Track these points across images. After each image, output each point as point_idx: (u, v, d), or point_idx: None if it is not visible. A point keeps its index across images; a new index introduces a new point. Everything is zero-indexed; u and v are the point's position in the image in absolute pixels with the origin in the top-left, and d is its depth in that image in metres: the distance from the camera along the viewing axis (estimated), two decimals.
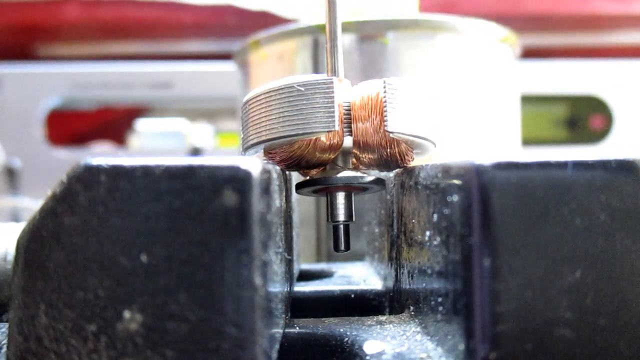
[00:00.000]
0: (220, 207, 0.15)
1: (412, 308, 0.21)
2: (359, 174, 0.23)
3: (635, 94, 0.70)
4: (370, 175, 0.23)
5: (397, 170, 0.24)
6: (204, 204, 0.15)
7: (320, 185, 0.23)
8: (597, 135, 0.72)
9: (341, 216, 0.24)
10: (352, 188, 0.24)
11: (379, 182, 0.24)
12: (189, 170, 0.15)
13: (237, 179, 0.15)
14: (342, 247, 0.25)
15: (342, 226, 0.25)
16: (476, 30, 0.40)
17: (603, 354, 0.16)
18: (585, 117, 0.73)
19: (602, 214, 0.16)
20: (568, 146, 0.73)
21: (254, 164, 0.15)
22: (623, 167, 0.16)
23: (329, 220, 0.24)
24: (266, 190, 0.16)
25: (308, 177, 0.24)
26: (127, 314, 0.15)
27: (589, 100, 0.71)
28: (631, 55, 0.72)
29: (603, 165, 0.16)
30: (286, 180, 0.23)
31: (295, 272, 0.31)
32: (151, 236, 0.15)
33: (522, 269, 0.16)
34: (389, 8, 0.42)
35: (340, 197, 0.24)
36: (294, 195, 0.27)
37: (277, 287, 0.19)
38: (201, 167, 0.15)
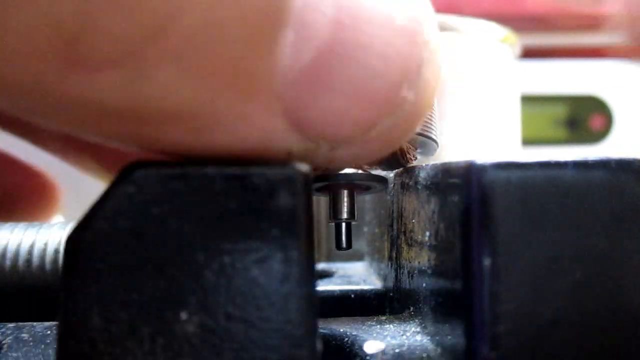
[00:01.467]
0: (275, 208, 0.15)
1: (412, 308, 0.21)
2: (362, 172, 0.23)
3: (635, 94, 0.70)
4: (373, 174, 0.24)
5: (397, 170, 0.24)
6: (259, 204, 0.15)
7: (325, 182, 0.24)
8: (597, 135, 0.72)
9: (344, 214, 0.24)
10: (355, 186, 0.24)
11: (382, 180, 0.24)
12: (244, 172, 0.15)
13: (291, 181, 0.15)
14: (344, 245, 0.25)
15: (344, 224, 0.25)
16: (476, 30, 0.40)
17: (604, 355, 0.16)
18: (585, 117, 0.73)
19: (603, 214, 0.16)
20: (568, 146, 0.73)
21: (303, 166, 0.16)
22: (623, 166, 0.16)
23: (331, 218, 0.25)
24: (312, 191, 0.16)
25: None
26: (184, 315, 0.15)
27: (589, 100, 0.71)
28: (631, 55, 0.72)
29: (603, 165, 0.16)
30: None
31: None
32: (206, 237, 0.15)
33: (523, 269, 0.16)
34: None
35: (344, 195, 0.24)
36: None
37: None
38: (256, 169, 0.15)
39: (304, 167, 0.16)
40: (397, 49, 0.16)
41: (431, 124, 0.23)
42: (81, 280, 0.15)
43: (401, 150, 0.23)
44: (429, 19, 0.17)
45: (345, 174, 0.23)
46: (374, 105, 0.16)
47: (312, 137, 0.16)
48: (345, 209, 0.24)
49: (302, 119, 0.16)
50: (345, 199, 0.24)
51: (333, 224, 0.25)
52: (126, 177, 0.15)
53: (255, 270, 0.15)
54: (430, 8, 0.18)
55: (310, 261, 0.15)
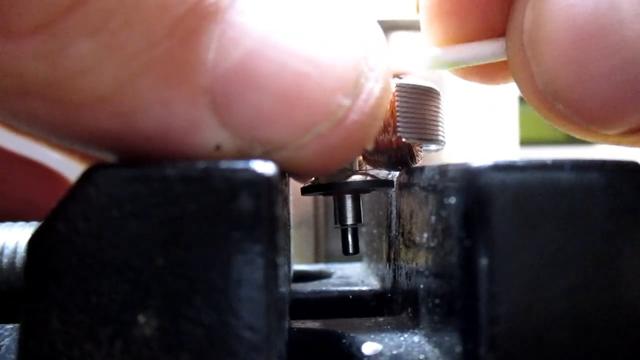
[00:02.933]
0: (236, 210, 0.15)
1: (410, 309, 0.21)
2: (369, 177, 0.23)
3: None
4: (379, 177, 0.23)
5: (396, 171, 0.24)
6: (220, 207, 0.15)
7: (330, 190, 0.23)
8: None
9: (350, 219, 0.24)
10: (361, 191, 0.24)
11: (389, 184, 0.24)
12: (205, 173, 0.15)
13: (254, 182, 0.15)
14: (351, 251, 0.25)
15: (350, 229, 0.24)
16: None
17: (601, 356, 0.16)
18: None
19: (600, 215, 0.16)
20: (566, 147, 0.73)
21: (269, 166, 0.15)
22: (621, 168, 0.16)
23: (337, 223, 0.24)
24: (280, 193, 0.16)
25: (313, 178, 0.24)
26: (142, 318, 0.15)
27: None
28: None
29: (600, 166, 0.16)
30: (286, 183, 0.23)
31: (291, 273, 0.30)
32: (166, 239, 0.15)
33: (520, 270, 0.16)
34: (387, 9, 0.42)
35: (349, 200, 0.24)
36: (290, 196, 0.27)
37: (285, 289, 0.19)
38: (217, 170, 0.15)
39: (268, 170, 0.15)
40: (330, 56, 0.17)
41: (439, 125, 0.23)
42: (41, 282, 0.15)
43: (410, 150, 0.23)
44: (372, 33, 0.18)
45: (352, 182, 0.23)
46: (305, 108, 0.16)
47: (244, 137, 0.16)
48: (351, 214, 0.24)
49: (232, 117, 0.16)
50: (351, 204, 0.24)
51: (339, 228, 0.25)
52: (87, 178, 0.15)
53: (214, 274, 0.15)
54: (375, 24, 0.18)
55: (274, 265, 0.15)
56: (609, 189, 0.16)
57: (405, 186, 0.22)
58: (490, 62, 0.23)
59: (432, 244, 0.19)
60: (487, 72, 0.25)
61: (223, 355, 0.15)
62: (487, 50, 0.23)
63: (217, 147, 0.16)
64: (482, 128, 0.41)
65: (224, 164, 0.15)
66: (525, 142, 0.47)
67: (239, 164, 0.15)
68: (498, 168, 0.16)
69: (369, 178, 0.23)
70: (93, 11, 0.14)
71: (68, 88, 0.15)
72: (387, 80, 0.18)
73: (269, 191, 0.15)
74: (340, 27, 0.17)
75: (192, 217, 0.15)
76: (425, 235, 0.19)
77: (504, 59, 0.22)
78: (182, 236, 0.15)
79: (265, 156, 0.17)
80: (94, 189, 0.15)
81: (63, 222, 0.15)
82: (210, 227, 0.15)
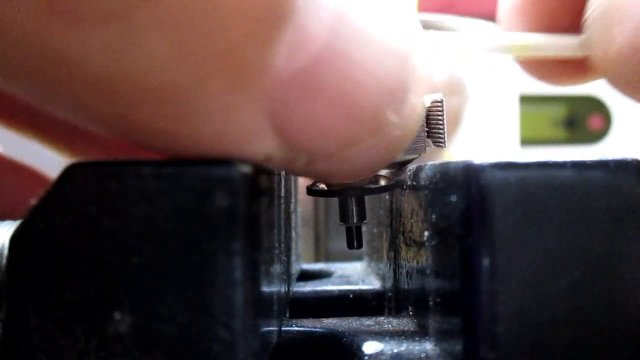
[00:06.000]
0: (210, 209, 0.15)
1: (410, 308, 0.21)
2: (382, 182, 0.23)
3: None
4: (383, 179, 0.23)
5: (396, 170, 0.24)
6: (194, 205, 0.15)
7: (341, 196, 0.23)
8: (596, 135, 0.72)
9: (353, 219, 0.24)
10: (365, 191, 0.24)
11: (395, 185, 0.24)
12: (179, 171, 0.15)
13: (228, 181, 0.15)
14: (356, 245, 0.25)
15: (354, 228, 0.25)
16: (475, 30, 0.40)
17: (602, 355, 0.16)
18: (584, 117, 0.73)
19: (601, 214, 0.16)
20: (567, 146, 0.73)
21: (245, 165, 0.15)
22: (622, 167, 0.16)
23: (341, 221, 0.24)
24: (259, 191, 0.16)
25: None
26: (117, 315, 0.15)
27: (588, 100, 0.71)
28: None
29: (601, 165, 0.16)
30: (286, 181, 0.23)
31: (295, 272, 0.31)
32: (141, 237, 0.15)
33: (521, 269, 0.16)
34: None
35: (352, 201, 0.24)
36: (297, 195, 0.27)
37: (272, 288, 0.19)
38: (192, 168, 0.15)
39: (245, 167, 0.15)
40: (387, 69, 0.16)
41: (442, 129, 0.23)
42: (20, 278, 0.15)
43: None
44: (418, 46, 0.17)
45: (361, 188, 0.23)
46: (358, 122, 0.16)
47: (294, 147, 0.16)
48: (355, 214, 0.24)
49: (288, 126, 0.16)
50: (355, 205, 0.24)
51: (343, 226, 0.25)
52: (65, 176, 0.15)
53: (189, 271, 0.15)
54: (420, 36, 0.18)
55: (250, 264, 0.15)
56: (610, 187, 0.16)
57: (405, 184, 0.22)
58: (562, 54, 0.22)
59: (432, 243, 0.19)
60: (555, 68, 0.24)
61: (197, 353, 0.14)
62: (562, 41, 0.22)
63: (268, 157, 0.16)
64: (483, 128, 0.42)
65: (199, 162, 0.15)
66: (525, 142, 0.47)
67: (215, 162, 0.15)
68: (499, 166, 0.16)
69: (382, 183, 0.23)
70: (172, 6, 0.13)
71: (130, 85, 0.14)
72: (426, 93, 0.18)
73: (245, 189, 0.15)
74: (394, 36, 0.17)
75: (167, 214, 0.15)
76: (426, 233, 0.19)
77: (578, 54, 0.22)
78: (157, 234, 0.15)
79: (307, 166, 0.16)
80: (70, 186, 0.15)
81: (41, 218, 0.15)
82: (185, 224, 0.15)
